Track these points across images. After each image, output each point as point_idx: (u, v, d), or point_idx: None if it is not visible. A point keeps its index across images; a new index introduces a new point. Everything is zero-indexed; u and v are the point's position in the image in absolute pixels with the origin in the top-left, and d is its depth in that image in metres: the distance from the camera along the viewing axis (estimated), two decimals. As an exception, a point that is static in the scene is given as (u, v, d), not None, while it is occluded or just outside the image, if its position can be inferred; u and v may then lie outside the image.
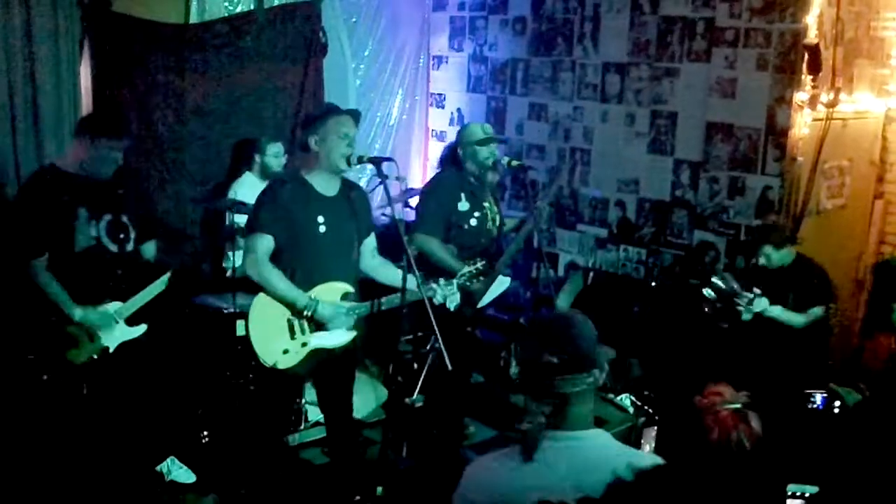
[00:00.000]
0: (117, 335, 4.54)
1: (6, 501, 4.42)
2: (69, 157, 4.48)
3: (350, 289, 4.34)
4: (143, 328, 4.62)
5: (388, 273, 4.54)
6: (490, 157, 5.03)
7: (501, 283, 5.25)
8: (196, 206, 6.47)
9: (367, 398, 6.09)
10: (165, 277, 4.64)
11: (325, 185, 4.26)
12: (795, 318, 5.17)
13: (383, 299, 4.38)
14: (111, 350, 4.50)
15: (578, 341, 2.34)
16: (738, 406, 2.78)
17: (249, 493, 4.59)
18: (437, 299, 4.45)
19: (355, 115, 4.34)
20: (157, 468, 4.91)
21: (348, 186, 4.39)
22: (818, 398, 5.23)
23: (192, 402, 5.58)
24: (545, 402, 2.30)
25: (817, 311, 5.22)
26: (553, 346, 2.31)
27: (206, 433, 5.38)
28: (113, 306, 4.50)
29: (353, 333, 4.38)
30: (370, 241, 4.54)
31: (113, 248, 4.50)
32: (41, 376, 4.42)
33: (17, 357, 4.56)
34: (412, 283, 4.27)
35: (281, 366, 4.23)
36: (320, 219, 4.20)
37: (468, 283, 4.60)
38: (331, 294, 4.29)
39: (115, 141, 4.40)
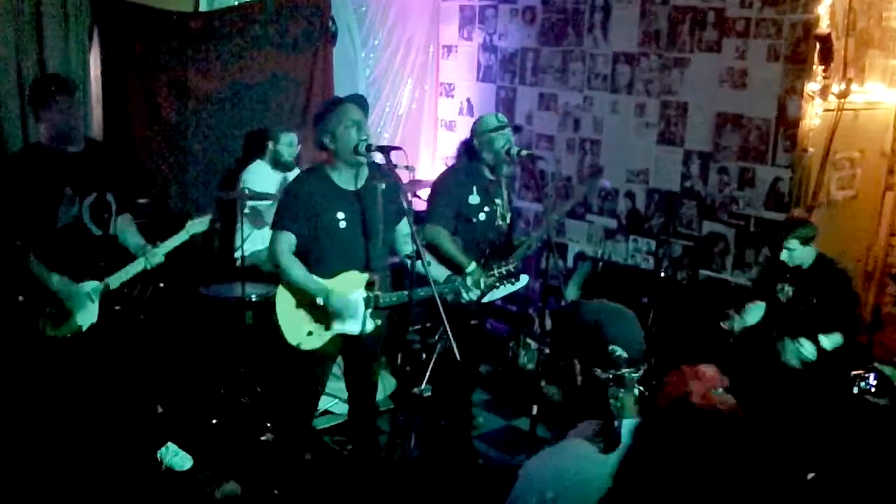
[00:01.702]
0: (91, 315, 4.48)
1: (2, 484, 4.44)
2: (43, 133, 4.43)
3: (372, 278, 4.35)
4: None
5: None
6: (506, 144, 5.01)
7: (517, 282, 5.25)
8: (205, 193, 6.48)
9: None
10: (139, 261, 4.60)
11: (346, 178, 4.30)
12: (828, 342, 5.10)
13: (416, 290, 4.35)
14: (83, 330, 4.45)
15: (639, 335, 2.41)
16: (721, 392, 2.77)
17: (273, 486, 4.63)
18: (464, 298, 4.54)
19: (360, 101, 4.34)
20: (158, 454, 4.93)
21: (376, 174, 4.36)
22: (871, 378, 5.18)
23: (199, 391, 5.60)
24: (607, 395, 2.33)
25: (837, 338, 5.09)
26: (619, 339, 2.36)
27: (215, 420, 5.41)
28: (90, 284, 4.45)
29: (377, 322, 4.40)
30: (402, 228, 4.54)
31: (95, 229, 4.48)
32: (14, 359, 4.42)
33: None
34: (441, 276, 4.41)
35: (305, 347, 4.33)
36: (340, 214, 4.25)
37: (498, 284, 4.63)
38: (352, 283, 4.32)
39: (62, 97, 4.34)
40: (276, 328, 4.35)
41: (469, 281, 4.53)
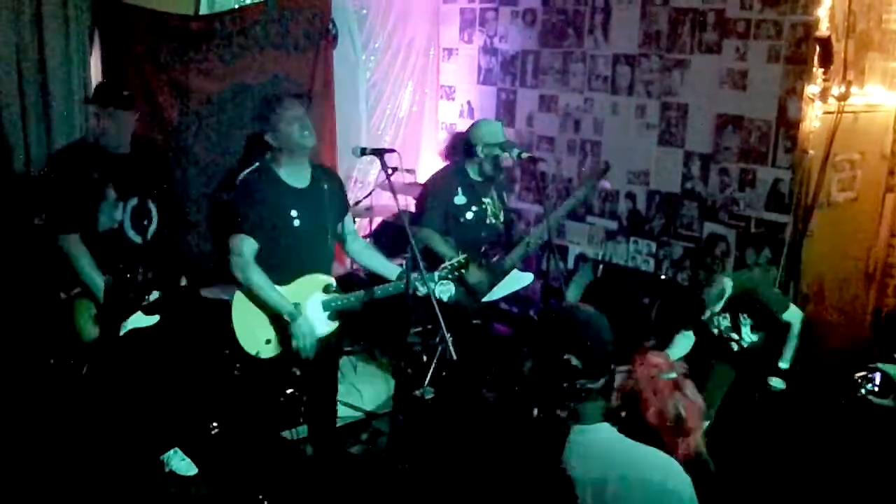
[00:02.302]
0: (129, 321, 4.48)
1: (6, 485, 4.44)
2: (91, 131, 4.49)
3: (332, 281, 4.40)
4: (155, 318, 4.58)
5: (373, 259, 4.65)
6: (505, 159, 5.08)
7: (520, 280, 5.25)
8: (204, 195, 6.48)
9: (378, 390, 6.11)
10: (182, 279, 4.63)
11: (295, 176, 4.34)
12: (793, 341, 5.11)
13: (372, 289, 4.48)
14: (120, 334, 4.45)
15: (601, 345, 2.36)
16: (675, 376, 2.74)
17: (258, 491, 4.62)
18: (420, 291, 4.43)
19: (300, 99, 4.41)
20: (161, 458, 4.92)
21: (319, 173, 4.45)
22: (876, 378, 5.17)
23: (199, 394, 5.59)
24: (562, 400, 2.30)
25: (792, 311, 5.13)
26: (576, 348, 2.31)
27: (215, 425, 5.39)
28: None
29: (335, 324, 4.47)
30: (348, 224, 4.62)
31: (135, 236, 4.47)
32: (47, 359, 4.42)
33: (23, 338, 4.57)
34: (392, 273, 4.47)
35: (263, 355, 4.33)
36: (294, 213, 4.27)
37: (450, 276, 4.59)
38: (312, 286, 4.37)
39: (120, 110, 4.40)
40: (231, 337, 4.34)
41: (423, 276, 4.42)
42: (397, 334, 4.87)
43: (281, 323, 4.29)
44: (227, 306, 5.51)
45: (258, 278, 4.20)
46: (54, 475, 4.46)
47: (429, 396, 5.63)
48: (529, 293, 7.19)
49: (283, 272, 4.28)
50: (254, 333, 4.31)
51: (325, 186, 4.41)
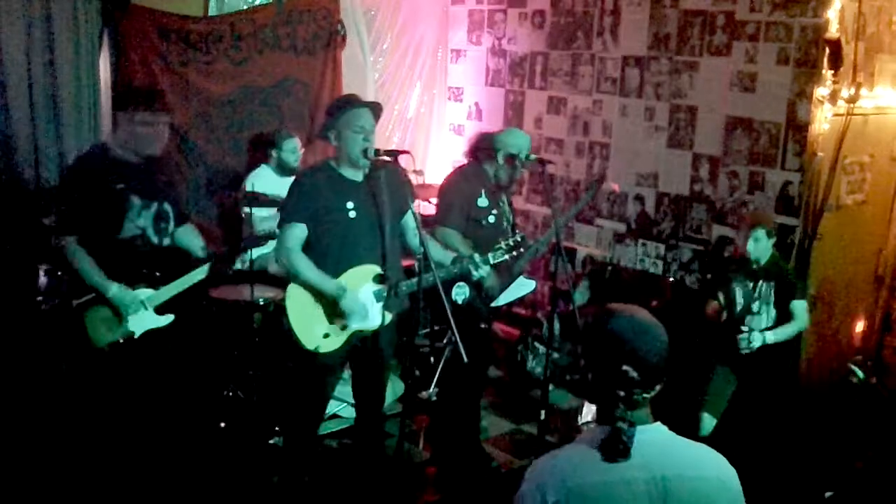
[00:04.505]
0: (145, 322, 4.45)
1: (19, 491, 4.44)
2: (115, 137, 4.45)
3: (378, 270, 4.33)
4: (170, 318, 4.56)
5: (433, 251, 4.48)
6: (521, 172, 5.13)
7: (524, 286, 5.24)
8: (213, 197, 6.50)
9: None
10: (201, 270, 4.57)
11: (353, 170, 4.31)
12: (790, 330, 5.10)
13: (422, 277, 4.32)
14: (136, 336, 4.43)
15: (657, 355, 2.33)
16: None
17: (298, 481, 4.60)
18: (475, 276, 4.47)
19: (374, 108, 4.37)
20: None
21: (380, 168, 4.36)
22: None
23: (209, 395, 5.60)
24: (616, 408, 2.29)
25: (802, 304, 5.14)
26: (633, 359, 2.28)
27: (223, 424, 5.41)
28: (145, 293, 4.42)
29: (391, 315, 4.42)
30: (409, 220, 4.54)
31: (156, 239, 4.48)
32: (60, 365, 4.41)
33: (34, 344, 4.56)
34: (447, 259, 4.45)
35: (323, 349, 4.29)
36: (350, 204, 4.25)
37: (504, 258, 4.57)
38: (361, 277, 4.31)
39: (154, 114, 4.38)
40: (288, 335, 4.31)
41: (477, 258, 4.45)
42: (405, 336, 4.87)
43: (336, 313, 4.27)
44: (237, 306, 5.55)
45: (301, 264, 4.20)
46: (64, 480, 4.46)
47: (435, 398, 5.65)
48: (538, 296, 7.20)
49: (335, 263, 4.26)
50: (311, 328, 4.29)
51: (385, 180, 4.33)
